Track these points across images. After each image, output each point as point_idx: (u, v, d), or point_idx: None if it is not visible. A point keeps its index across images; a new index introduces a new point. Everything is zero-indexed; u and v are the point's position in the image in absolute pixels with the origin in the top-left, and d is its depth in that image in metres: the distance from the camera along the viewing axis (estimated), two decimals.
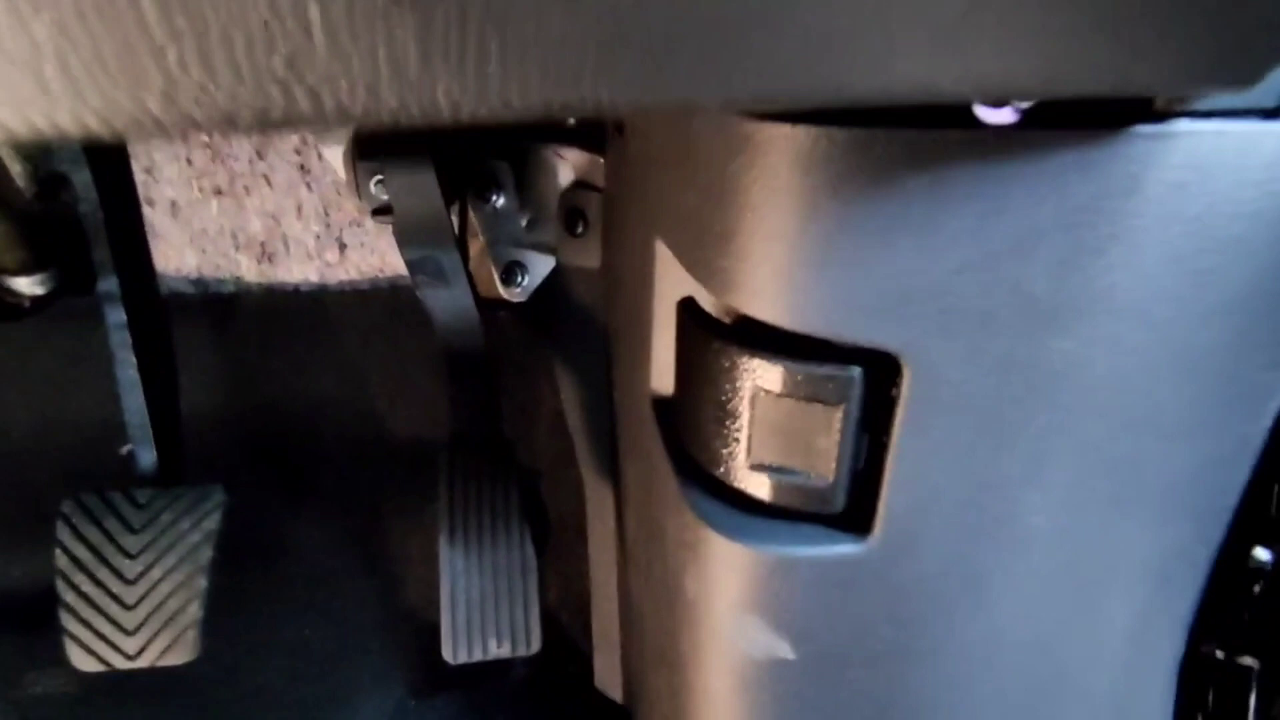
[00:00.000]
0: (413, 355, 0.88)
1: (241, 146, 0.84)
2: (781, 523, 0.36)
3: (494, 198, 0.80)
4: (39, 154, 0.82)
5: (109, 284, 0.62)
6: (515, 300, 0.83)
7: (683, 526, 0.39)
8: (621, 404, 0.60)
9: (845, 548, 0.35)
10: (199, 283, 0.89)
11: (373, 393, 0.86)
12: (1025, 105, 0.27)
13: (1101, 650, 0.38)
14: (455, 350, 0.71)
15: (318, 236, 0.88)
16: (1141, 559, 0.35)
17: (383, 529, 0.80)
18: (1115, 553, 0.34)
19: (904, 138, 0.27)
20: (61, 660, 0.74)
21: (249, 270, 0.89)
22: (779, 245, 0.29)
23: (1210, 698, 0.51)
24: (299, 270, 0.89)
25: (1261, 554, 0.48)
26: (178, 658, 0.52)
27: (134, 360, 0.60)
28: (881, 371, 0.32)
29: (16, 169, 0.80)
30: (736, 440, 0.36)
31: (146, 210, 0.87)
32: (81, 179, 0.60)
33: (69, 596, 0.51)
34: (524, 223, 0.82)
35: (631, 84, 0.20)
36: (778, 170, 0.28)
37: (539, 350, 0.85)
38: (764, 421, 0.35)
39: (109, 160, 0.66)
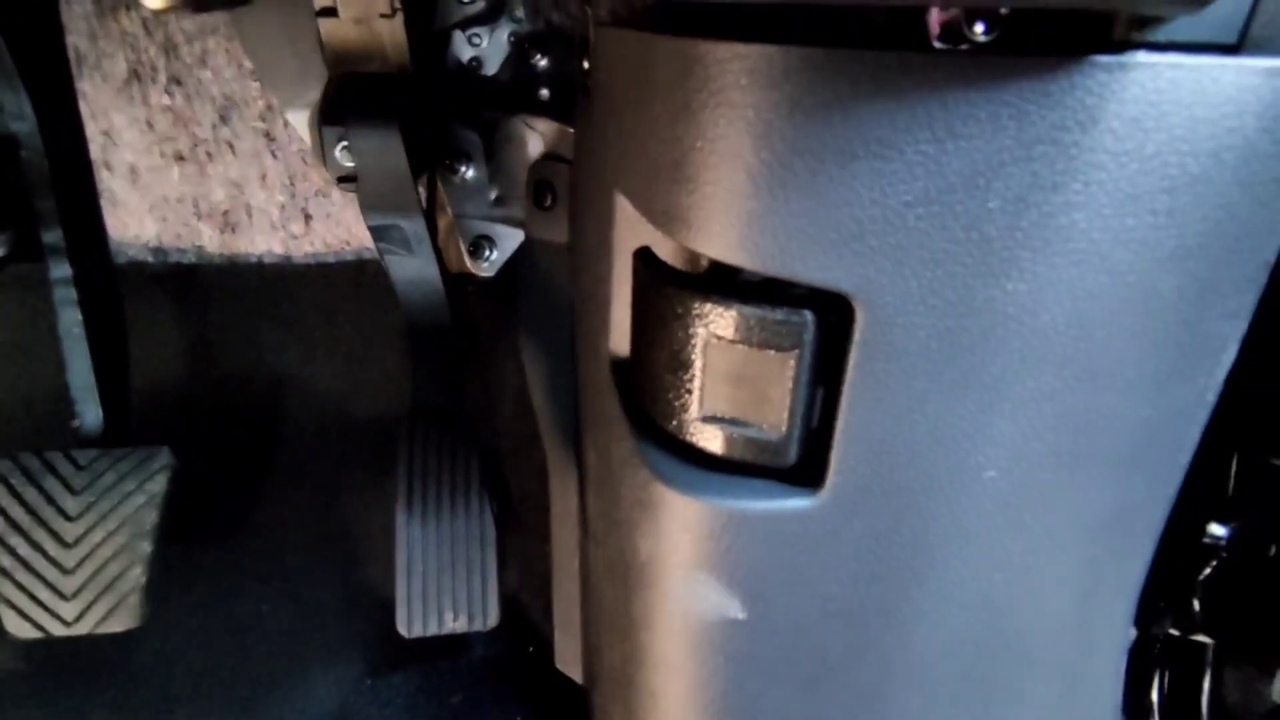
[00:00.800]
0: (377, 332, 0.86)
1: (205, 111, 0.82)
2: (734, 478, 0.35)
3: (463, 169, 0.79)
4: None
5: (53, 237, 0.59)
6: (483, 275, 0.81)
7: (636, 485, 0.38)
8: (583, 374, 0.58)
9: (796, 502, 0.34)
10: (159, 251, 0.86)
11: (334, 369, 0.84)
12: (984, 33, 0.26)
13: (1052, 612, 0.37)
14: (419, 321, 0.70)
15: (282, 207, 0.86)
16: (1093, 515, 0.34)
17: (341, 505, 0.79)
18: (1067, 508, 0.34)
19: (862, 58, 0.26)
20: (7, 638, 0.71)
21: (211, 240, 0.86)
22: (732, 174, 0.28)
23: (1163, 677, 0.50)
24: (262, 241, 0.87)
25: (1217, 529, 0.48)
26: (119, 624, 0.50)
27: (79, 317, 0.58)
28: (835, 318, 0.31)
29: None
30: (689, 392, 0.35)
31: (105, 175, 0.84)
32: (24, 129, 0.58)
33: (4, 560, 0.49)
34: (493, 196, 0.80)
35: None
36: (731, 91, 0.27)
37: (505, 328, 0.83)
38: (716, 371, 0.34)
39: (56, 108, 0.63)
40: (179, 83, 0.80)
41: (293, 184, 0.85)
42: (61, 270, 0.60)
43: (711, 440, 0.35)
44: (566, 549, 0.75)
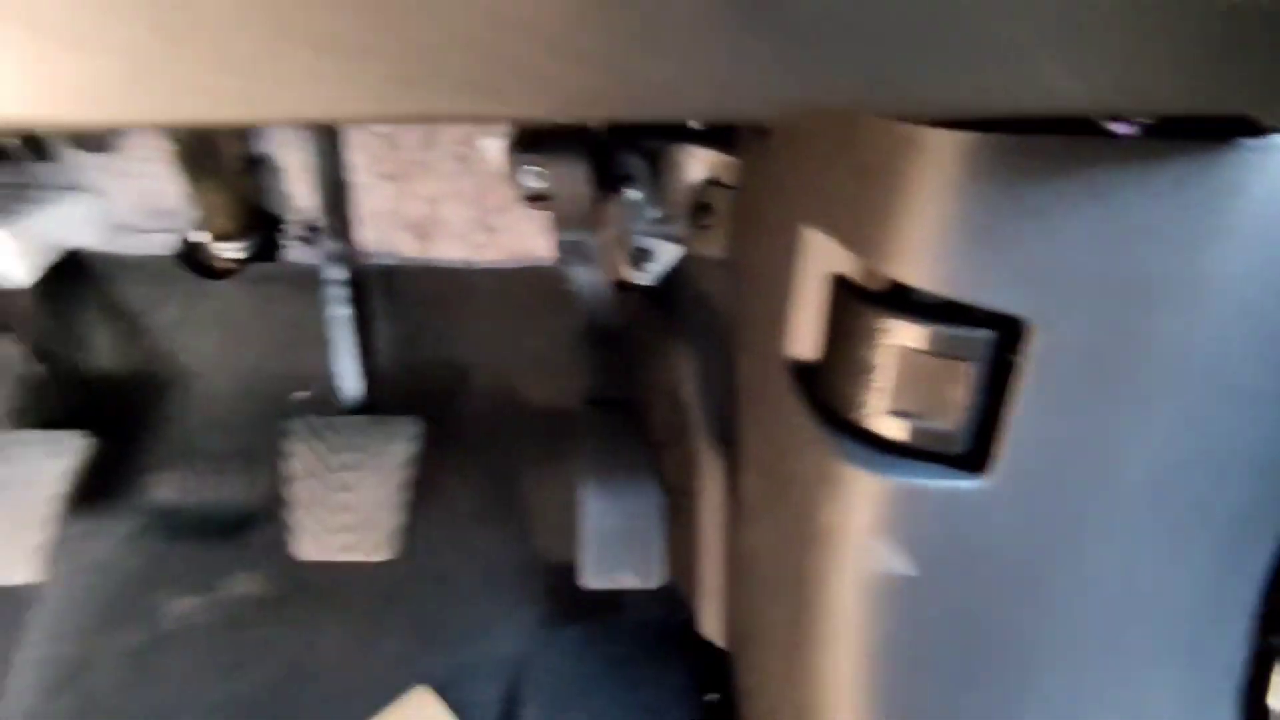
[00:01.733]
0: (545, 328, 0.98)
1: (412, 137, 0.96)
2: (909, 460, 0.44)
3: (629, 191, 0.90)
4: (249, 137, 0.96)
5: (333, 247, 0.74)
6: (641, 283, 0.92)
7: (821, 466, 0.47)
8: (750, 372, 0.68)
9: (964, 483, 0.42)
10: (368, 255, 1.02)
11: (509, 359, 0.97)
12: (1146, 121, 0.34)
13: (1185, 597, 0.44)
14: (595, 322, 0.81)
15: (468, 220, 1.00)
16: (1226, 512, 0.40)
17: (518, 479, 0.91)
18: (1202, 505, 0.40)
19: (1045, 143, 0.34)
20: (258, 565, 0.87)
21: (409, 247, 1.01)
22: (934, 225, 0.37)
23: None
24: (450, 249, 1.01)
25: None
26: (381, 555, 0.63)
27: (347, 312, 0.72)
28: (1008, 333, 0.39)
29: (233, 150, 0.94)
30: (876, 390, 0.44)
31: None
32: (296, 158, 0.72)
33: (301, 497, 0.63)
34: (654, 215, 0.91)
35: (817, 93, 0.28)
36: (939, 166, 0.36)
37: (659, 331, 0.94)
38: (903, 375, 0.42)
39: (328, 137, 0.78)
40: None
41: (480, 201, 0.99)
42: (336, 273, 0.74)
43: (892, 429, 0.44)
44: (713, 530, 0.84)
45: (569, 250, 0.79)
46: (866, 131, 0.41)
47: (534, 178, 0.85)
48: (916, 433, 0.43)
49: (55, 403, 0.75)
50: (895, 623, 0.46)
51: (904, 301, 0.43)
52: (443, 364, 0.96)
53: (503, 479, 0.91)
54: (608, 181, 0.88)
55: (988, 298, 0.37)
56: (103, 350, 0.96)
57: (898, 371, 0.42)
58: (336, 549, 0.62)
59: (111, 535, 0.83)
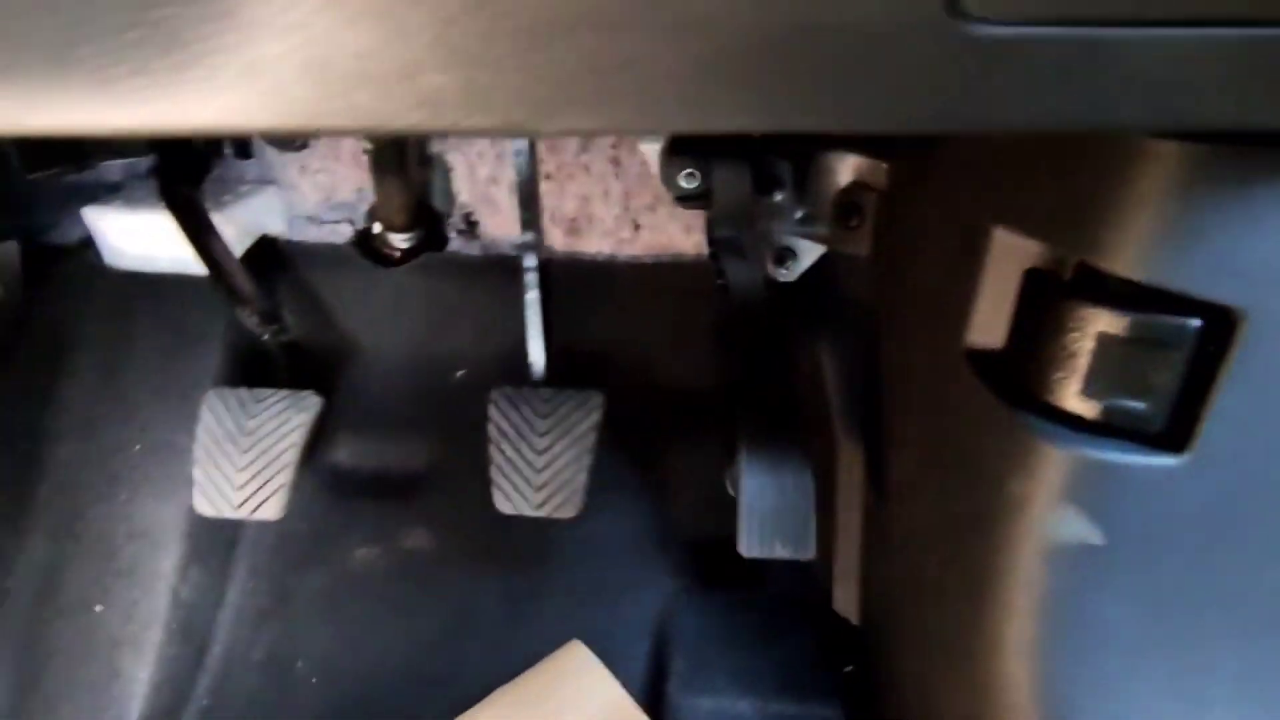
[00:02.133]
0: (684, 317, 1.05)
1: (569, 140, 1.04)
2: (1102, 437, 0.48)
3: (776, 193, 0.95)
4: (430, 139, 1.06)
5: (526, 237, 0.82)
6: (782, 280, 0.98)
7: (1009, 442, 0.52)
8: (911, 361, 0.72)
9: (1161, 460, 0.46)
10: (520, 248, 1.10)
11: (650, 344, 1.04)
12: None
13: None
14: (747, 313, 0.87)
15: (616, 217, 1.08)
16: None
17: (661, 455, 0.98)
18: None
19: (1260, 153, 0.38)
20: (426, 524, 0.97)
21: (558, 241, 1.09)
22: (1156, 225, 0.41)
23: None
24: (597, 243, 1.09)
25: None
26: (567, 513, 0.70)
27: (538, 295, 0.80)
28: (1213, 321, 0.43)
29: (416, 151, 1.04)
30: (1074, 374, 0.48)
31: (492, 189, 1.10)
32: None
33: (498, 459, 0.71)
34: (799, 215, 0.97)
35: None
36: (1164, 174, 0.40)
37: (801, 324, 0.99)
38: (1101, 360, 0.47)
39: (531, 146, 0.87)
40: None
41: (627, 199, 1.07)
42: (530, 261, 0.82)
43: (1088, 410, 0.48)
44: (849, 513, 0.89)
45: (725, 246, 0.85)
46: (1075, 143, 0.46)
47: (688, 179, 0.92)
48: (1110, 412, 0.47)
49: (278, 368, 0.86)
50: (1079, 590, 0.51)
51: (1099, 291, 0.47)
52: (588, 348, 1.04)
53: (646, 454, 0.98)
54: (759, 184, 0.94)
55: (1202, 289, 0.42)
56: (290, 326, 1.07)
57: (1096, 357, 0.47)
58: (531, 506, 0.70)
59: (302, 488, 0.93)
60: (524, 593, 0.92)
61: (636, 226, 1.08)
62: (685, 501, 0.96)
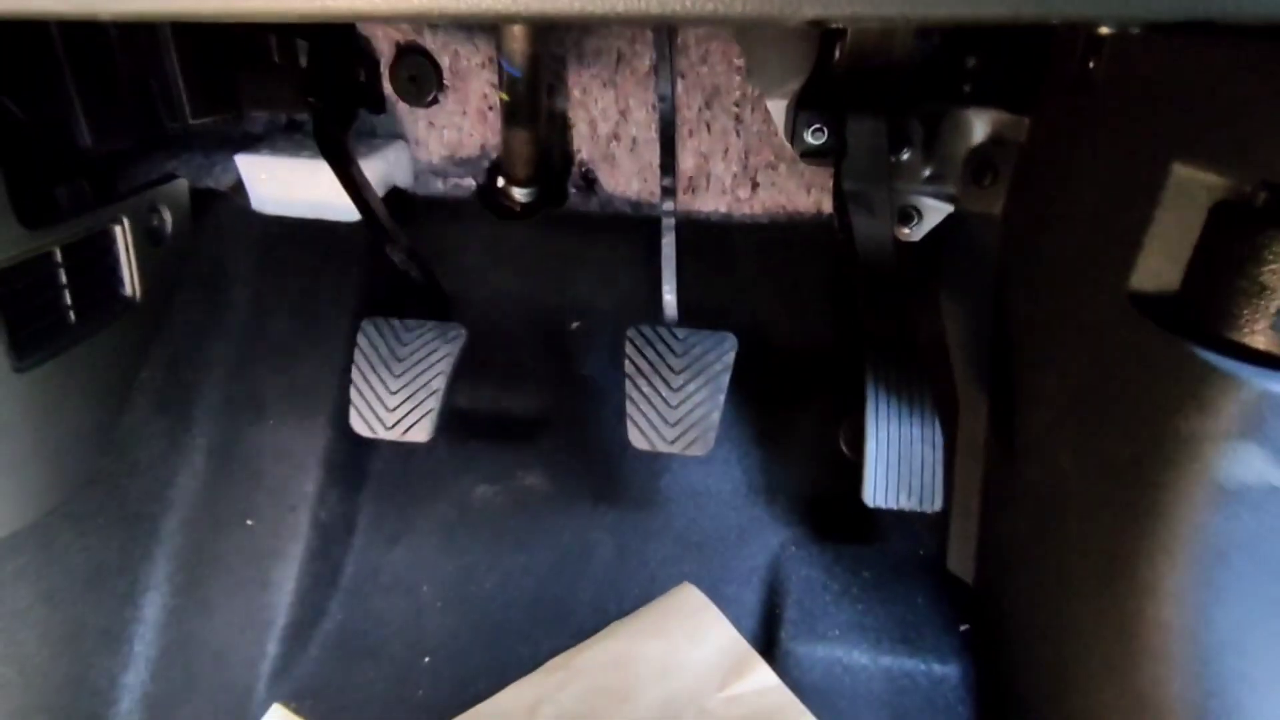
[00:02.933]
0: (802, 275, 1.05)
1: (695, 98, 1.05)
2: None
3: (903, 152, 0.95)
4: (558, 94, 1.09)
5: (667, 183, 0.84)
6: (906, 239, 0.97)
7: (1182, 381, 0.51)
8: (1056, 316, 0.71)
9: None
10: (636, 205, 1.13)
11: (766, 306, 1.05)
12: None
13: None
14: (872, 270, 0.87)
15: (735, 175, 1.08)
16: None
17: (773, 410, 0.99)
18: None
19: None
20: (542, 465, 1.00)
21: (679, 199, 1.11)
22: None
23: None
24: (713, 202, 1.10)
25: None
26: (699, 450, 0.72)
27: (674, 255, 0.81)
28: None
29: (545, 105, 1.07)
30: (1266, 308, 0.47)
31: (613, 144, 1.12)
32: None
33: (634, 394, 0.73)
34: (926, 174, 0.96)
35: None
36: None
37: (921, 284, 0.98)
38: None
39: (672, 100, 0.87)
40: (682, 76, 1.04)
41: (746, 158, 1.07)
42: (667, 206, 0.84)
43: (1277, 344, 0.47)
44: (968, 472, 0.88)
45: (854, 200, 0.85)
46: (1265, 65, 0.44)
47: (815, 135, 0.92)
48: None
49: (411, 308, 0.91)
50: (1253, 531, 0.50)
51: None
52: (703, 303, 1.05)
53: (760, 408, 0.99)
54: (891, 142, 0.93)
55: None
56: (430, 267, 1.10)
57: None
58: (665, 442, 0.72)
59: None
60: (636, 536, 0.95)
61: (755, 185, 1.08)
62: (797, 456, 0.97)
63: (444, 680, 0.85)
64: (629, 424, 0.75)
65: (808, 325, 1.03)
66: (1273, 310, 0.47)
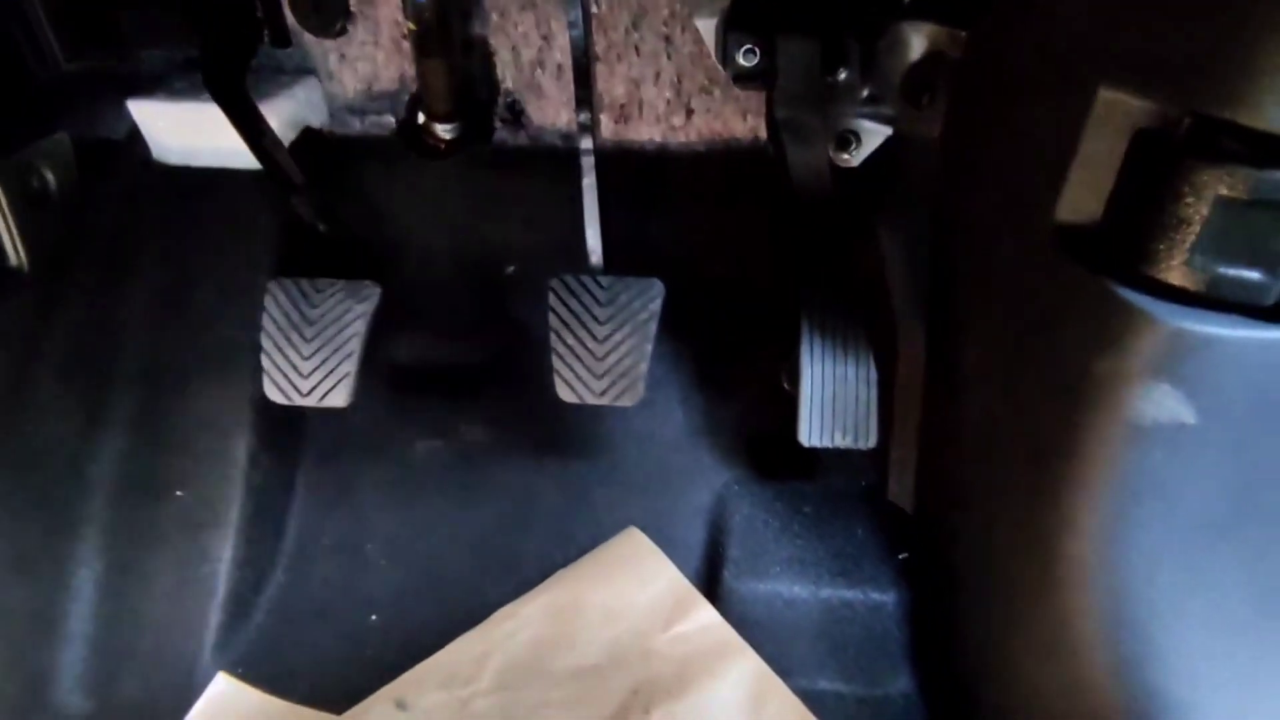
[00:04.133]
0: (740, 210, 1.01)
1: (621, 18, 0.98)
2: (1207, 311, 0.46)
3: (840, 72, 0.89)
4: (473, 18, 1.01)
5: (582, 118, 0.79)
6: (844, 165, 0.93)
7: (1099, 317, 0.50)
8: (990, 246, 0.69)
9: (1269, 333, 0.44)
10: (567, 137, 1.06)
11: (705, 239, 1.01)
12: None
13: None
14: (808, 200, 0.84)
15: (668, 101, 1.03)
16: None
17: (714, 349, 0.97)
18: None
19: None
20: (483, 416, 0.98)
21: (607, 129, 1.05)
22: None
23: None
24: (647, 131, 1.04)
25: None
26: (628, 401, 0.71)
27: (593, 181, 0.77)
28: None
29: (459, 33, 1.00)
30: (1183, 243, 0.45)
31: (538, 73, 1.05)
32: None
33: (559, 347, 0.71)
34: (864, 95, 0.91)
35: None
36: None
37: (862, 211, 0.95)
38: (1219, 226, 0.44)
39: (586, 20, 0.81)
40: None
41: (679, 82, 1.01)
42: (586, 144, 0.79)
43: (1195, 280, 0.45)
44: (907, 405, 0.88)
45: (786, 128, 0.81)
46: None
47: (747, 56, 0.87)
48: (1219, 283, 0.45)
49: (332, 260, 0.86)
50: (1163, 469, 0.50)
51: (1218, 150, 0.43)
52: (641, 240, 1.02)
53: (700, 348, 0.98)
54: (825, 62, 0.88)
55: None
56: (342, 217, 1.05)
57: (1210, 222, 0.44)
58: (593, 394, 0.70)
59: (361, 381, 0.94)
60: (580, 483, 0.94)
61: (689, 112, 1.03)
62: (739, 395, 0.96)
63: (393, 637, 0.85)
64: (555, 378, 0.73)
65: (747, 260, 1.00)
66: (1188, 245, 0.45)
